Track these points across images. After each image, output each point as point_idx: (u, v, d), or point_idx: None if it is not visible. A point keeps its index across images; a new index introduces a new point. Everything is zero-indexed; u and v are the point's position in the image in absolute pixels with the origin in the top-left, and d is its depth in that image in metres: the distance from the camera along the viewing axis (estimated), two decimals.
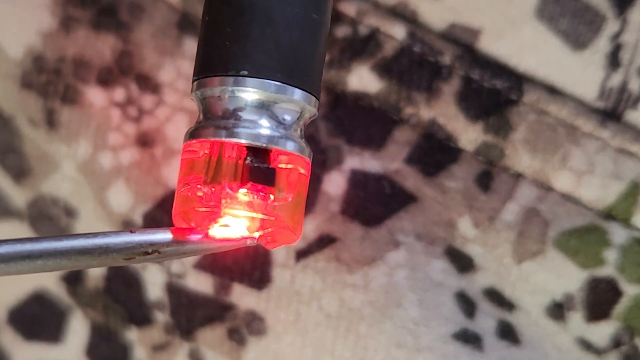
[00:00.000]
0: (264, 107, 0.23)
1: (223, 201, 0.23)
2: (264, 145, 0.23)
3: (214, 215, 0.23)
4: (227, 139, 0.23)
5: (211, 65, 0.23)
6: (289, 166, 0.23)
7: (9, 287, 0.32)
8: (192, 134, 0.24)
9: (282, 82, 0.23)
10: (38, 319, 0.32)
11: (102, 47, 0.30)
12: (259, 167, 0.23)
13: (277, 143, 0.23)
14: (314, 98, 0.24)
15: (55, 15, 0.30)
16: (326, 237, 0.29)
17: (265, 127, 0.23)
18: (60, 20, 0.30)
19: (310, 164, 0.24)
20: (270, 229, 0.23)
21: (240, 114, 0.23)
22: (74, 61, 0.30)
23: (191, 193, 0.23)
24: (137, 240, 0.23)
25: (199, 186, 0.23)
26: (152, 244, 0.23)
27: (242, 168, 0.23)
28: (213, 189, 0.23)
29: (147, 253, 0.22)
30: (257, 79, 0.23)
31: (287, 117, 0.23)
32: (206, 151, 0.23)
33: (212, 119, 0.23)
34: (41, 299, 0.32)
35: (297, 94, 0.23)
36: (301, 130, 0.24)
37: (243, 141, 0.23)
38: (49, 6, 0.30)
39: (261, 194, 0.23)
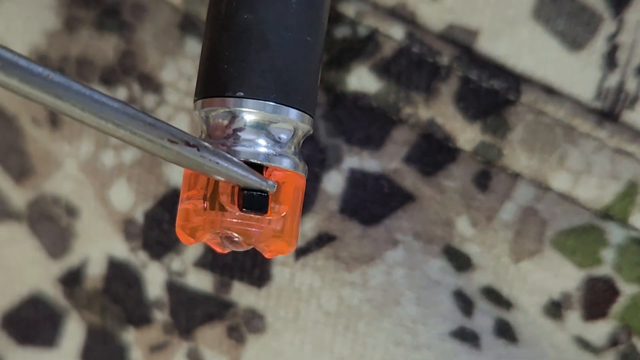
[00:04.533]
0: (260, 127, 0.24)
1: (220, 214, 0.24)
2: (260, 162, 0.24)
3: (212, 229, 0.24)
4: None
5: (211, 87, 0.24)
6: (284, 182, 0.24)
7: (4, 291, 0.33)
8: None
9: (278, 103, 0.24)
10: (33, 323, 0.32)
11: (105, 47, 0.30)
12: (251, 195, 0.24)
13: (273, 161, 0.24)
14: (307, 116, 0.25)
15: (60, 15, 0.30)
16: (325, 235, 0.29)
17: (262, 145, 0.24)
18: (64, 20, 0.30)
19: (305, 179, 0.25)
20: (265, 242, 0.25)
21: (239, 133, 0.24)
22: (77, 61, 0.30)
23: (192, 207, 0.24)
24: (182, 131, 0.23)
25: (199, 200, 0.24)
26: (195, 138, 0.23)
27: (237, 195, 0.24)
28: (212, 204, 0.24)
29: (188, 144, 0.23)
30: (253, 100, 0.24)
31: (283, 136, 0.25)
32: None
33: (213, 138, 0.25)
34: (36, 302, 0.32)
35: (292, 113, 0.24)
36: (295, 147, 0.25)
37: (241, 159, 0.24)
38: (54, 6, 0.30)
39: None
